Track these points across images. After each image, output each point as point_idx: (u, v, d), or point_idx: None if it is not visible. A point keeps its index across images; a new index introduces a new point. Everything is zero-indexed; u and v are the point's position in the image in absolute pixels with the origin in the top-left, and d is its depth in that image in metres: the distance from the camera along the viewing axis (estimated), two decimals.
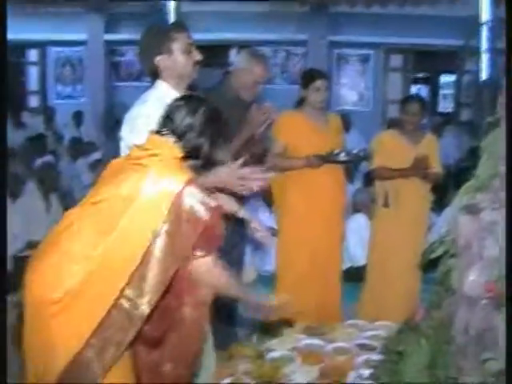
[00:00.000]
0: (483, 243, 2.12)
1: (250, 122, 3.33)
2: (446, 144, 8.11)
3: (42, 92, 10.90)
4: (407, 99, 4.03)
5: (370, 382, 2.61)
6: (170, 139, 2.11)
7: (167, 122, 2.14)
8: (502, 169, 2.14)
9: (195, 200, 2.02)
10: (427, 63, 11.28)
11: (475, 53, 9.15)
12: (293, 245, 3.85)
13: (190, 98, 2.22)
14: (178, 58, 2.49)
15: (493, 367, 1.90)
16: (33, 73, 10.93)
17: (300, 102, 3.93)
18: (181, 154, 2.11)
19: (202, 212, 2.03)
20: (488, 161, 2.26)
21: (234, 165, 2.46)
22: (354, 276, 4.63)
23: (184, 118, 2.12)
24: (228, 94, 3.42)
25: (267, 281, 4.42)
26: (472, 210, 2.20)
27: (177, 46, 2.48)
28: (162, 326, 2.17)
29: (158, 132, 2.14)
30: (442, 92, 13.01)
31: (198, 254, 2.09)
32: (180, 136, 2.11)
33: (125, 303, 1.96)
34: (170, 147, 2.10)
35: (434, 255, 2.54)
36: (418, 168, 3.85)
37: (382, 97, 10.26)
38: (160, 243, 1.96)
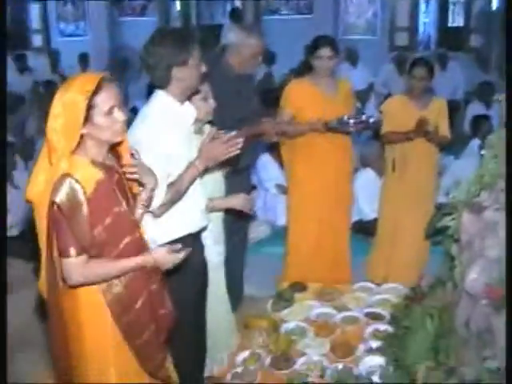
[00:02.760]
0: (484, 242, 2.21)
1: (262, 131, 3.57)
2: (453, 77, 7.99)
3: (45, 30, 10.72)
4: (414, 63, 3.96)
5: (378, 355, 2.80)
6: None
7: None
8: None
9: None
10: None
11: None
12: (302, 209, 3.98)
13: None
14: (192, 70, 2.45)
15: (490, 366, 2.04)
16: (34, 11, 10.70)
17: (309, 68, 3.91)
18: None
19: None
20: (492, 160, 2.31)
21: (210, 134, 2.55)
22: (363, 229, 4.79)
23: None
24: (227, 72, 3.47)
25: (281, 235, 4.50)
26: (475, 208, 2.28)
27: (192, 60, 2.43)
28: None
29: None
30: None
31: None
32: None
33: None
34: None
35: (440, 224, 2.66)
36: (421, 129, 3.83)
37: (390, 24, 10.03)
38: None
